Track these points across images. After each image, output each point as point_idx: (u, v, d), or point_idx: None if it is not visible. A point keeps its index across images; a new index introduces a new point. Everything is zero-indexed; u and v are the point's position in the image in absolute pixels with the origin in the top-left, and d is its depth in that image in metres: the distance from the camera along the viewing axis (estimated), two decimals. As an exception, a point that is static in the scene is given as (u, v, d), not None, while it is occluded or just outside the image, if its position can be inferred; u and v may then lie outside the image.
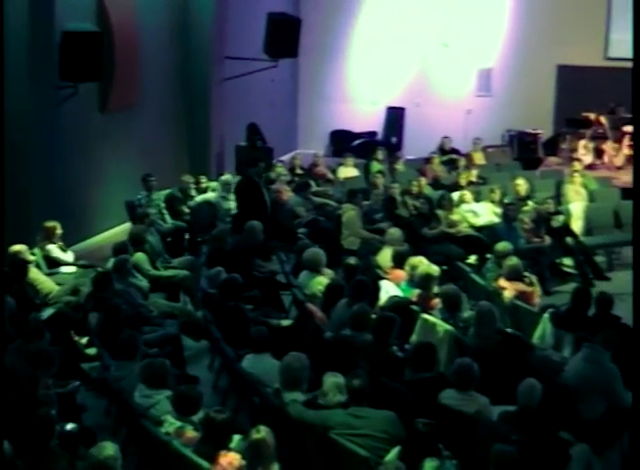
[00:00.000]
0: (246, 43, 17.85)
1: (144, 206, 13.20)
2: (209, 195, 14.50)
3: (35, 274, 10.36)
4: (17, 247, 10.47)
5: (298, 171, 17.02)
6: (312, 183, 15.55)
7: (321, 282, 9.94)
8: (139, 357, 7.88)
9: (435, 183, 16.02)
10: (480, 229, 13.53)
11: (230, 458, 6.08)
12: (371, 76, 22.45)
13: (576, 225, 13.94)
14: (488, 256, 11.80)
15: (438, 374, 7.72)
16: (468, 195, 14.32)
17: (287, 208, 14.01)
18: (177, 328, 9.85)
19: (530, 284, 10.34)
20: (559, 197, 14.93)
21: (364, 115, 22.52)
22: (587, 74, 20.51)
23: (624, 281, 12.17)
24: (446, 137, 19.21)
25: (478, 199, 14.50)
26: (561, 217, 13.56)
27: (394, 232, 11.63)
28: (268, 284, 10.83)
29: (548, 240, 12.88)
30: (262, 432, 6.06)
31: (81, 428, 6.94)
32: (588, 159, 18.60)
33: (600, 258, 13.52)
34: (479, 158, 18.37)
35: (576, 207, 14.41)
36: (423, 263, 10.20)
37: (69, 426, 6.69)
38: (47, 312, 9.69)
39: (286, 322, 9.69)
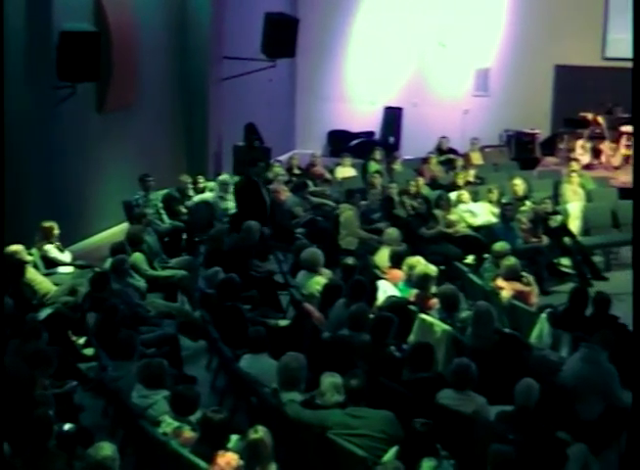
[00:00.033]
0: (243, 43, 17.85)
1: (141, 206, 13.19)
2: (207, 195, 14.49)
3: (33, 274, 10.35)
4: (14, 247, 10.45)
5: (296, 171, 17.01)
6: (310, 183, 15.54)
7: (319, 282, 9.94)
8: (136, 358, 7.87)
9: (433, 183, 16.03)
10: (477, 229, 13.54)
11: (228, 458, 6.08)
12: (368, 76, 22.46)
13: (574, 225, 13.95)
14: (486, 255, 11.81)
15: (436, 374, 7.71)
16: (465, 195, 14.33)
17: (284, 208, 14.02)
18: (175, 328, 9.85)
19: (528, 284, 10.35)
20: (556, 197, 14.94)
21: (362, 114, 22.53)
22: (585, 74, 20.53)
23: (622, 281, 12.19)
24: (444, 137, 19.22)
25: (475, 199, 14.52)
26: (558, 217, 13.56)
27: (392, 232, 11.63)
28: (266, 284, 10.82)
29: (546, 240, 12.89)
30: (260, 432, 6.05)
31: (79, 428, 6.93)
32: (586, 159, 18.62)
33: (597, 258, 13.53)
34: (476, 158, 18.37)
35: (574, 207, 14.42)
36: (420, 263, 10.20)
37: (67, 426, 6.68)
38: (44, 312, 9.67)
39: (283, 322, 9.69)
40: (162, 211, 13.55)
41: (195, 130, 17.32)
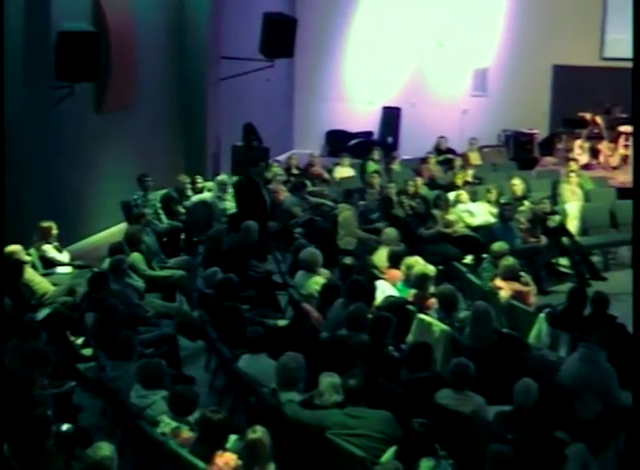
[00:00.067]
0: (242, 43, 17.85)
1: (140, 206, 13.19)
2: (205, 195, 14.50)
3: (31, 275, 10.34)
4: (12, 247, 10.45)
5: (294, 171, 17.02)
6: (308, 183, 15.54)
7: (317, 282, 9.94)
8: (135, 358, 7.87)
9: (432, 183, 16.03)
10: (476, 229, 13.54)
11: (226, 458, 6.08)
12: (367, 76, 22.46)
13: (572, 225, 13.95)
14: (484, 255, 11.81)
15: (434, 374, 7.71)
16: (464, 195, 14.33)
17: (283, 208, 14.03)
18: (173, 328, 9.85)
19: (526, 284, 10.35)
20: (555, 197, 14.94)
21: (360, 114, 22.53)
22: (583, 74, 20.54)
23: (620, 281, 12.21)
24: (442, 137, 19.24)
25: (474, 199, 14.52)
26: (557, 217, 13.56)
27: (390, 232, 11.63)
28: (264, 284, 10.82)
29: (544, 240, 12.89)
30: (258, 432, 6.05)
31: (77, 428, 6.93)
32: (584, 159, 18.61)
33: (596, 258, 13.54)
34: (475, 158, 18.38)
35: (572, 207, 14.42)
36: (419, 263, 10.20)
37: (65, 426, 6.68)
38: (43, 313, 9.67)
39: (282, 322, 9.69)
40: (161, 212, 13.55)
41: (193, 130, 17.32)
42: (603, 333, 7.95)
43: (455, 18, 21.62)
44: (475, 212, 13.98)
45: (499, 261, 10.54)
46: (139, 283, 10.64)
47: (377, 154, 17.76)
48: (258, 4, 18.47)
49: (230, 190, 14.33)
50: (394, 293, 9.87)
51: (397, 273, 10.28)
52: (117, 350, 7.98)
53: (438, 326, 8.76)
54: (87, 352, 9.30)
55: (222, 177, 14.82)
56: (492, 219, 13.60)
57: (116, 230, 14.10)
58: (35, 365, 7.57)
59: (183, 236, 13.64)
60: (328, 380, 7.08)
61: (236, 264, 10.64)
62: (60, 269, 11.21)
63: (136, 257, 11.01)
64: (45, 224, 11.25)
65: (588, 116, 19.67)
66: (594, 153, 19.13)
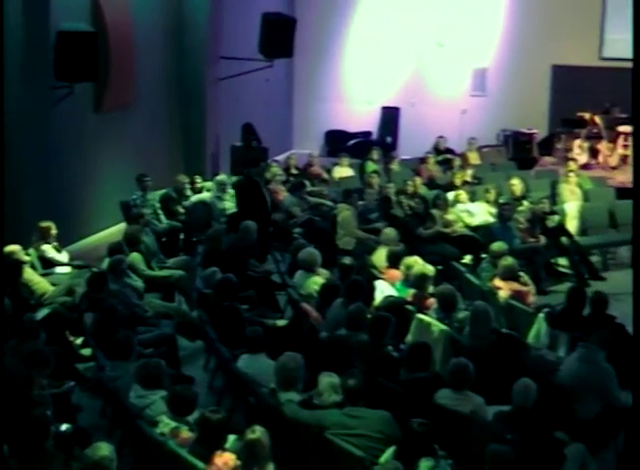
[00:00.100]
0: (241, 43, 17.85)
1: (139, 206, 13.19)
2: (204, 195, 14.50)
3: (30, 275, 10.34)
4: (11, 247, 10.44)
5: (294, 171, 17.02)
6: (307, 183, 15.54)
7: (316, 282, 9.94)
8: (134, 358, 7.87)
9: (431, 183, 16.03)
10: (475, 229, 13.54)
11: (225, 458, 6.08)
12: (366, 76, 22.46)
13: (571, 225, 13.95)
14: (483, 255, 11.82)
15: (434, 374, 7.72)
16: (463, 195, 14.33)
17: (282, 208, 14.03)
18: (172, 328, 9.85)
19: (525, 284, 10.35)
20: (554, 197, 14.94)
21: (359, 114, 22.53)
22: (582, 74, 20.54)
23: (619, 281, 12.22)
24: (441, 137, 19.24)
25: (473, 199, 14.52)
26: (556, 217, 13.57)
27: (390, 232, 11.63)
28: (263, 284, 10.82)
29: (543, 240, 12.89)
30: (258, 432, 6.05)
31: (76, 428, 6.93)
32: (583, 158, 18.61)
33: (595, 258, 13.55)
34: (474, 157, 18.39)
35: (571, 206, 14.42)
36: (418, 263, 10.19)
37: (64, 426, 6.68)
38: (42, 313, 9.67)
39: (281, 322, 9.69)
40: (160, 212, 13.54)
41: (192, 130, 17.32)
42: (602, 333, 7.95)
43: (454, 18, 21.61)
44: (474, 212, 13.98)
45: (498, 261, 10.54)
46: (138, 283, 10.64)
47: (376, 154, 17.76)
48: (257, 4, 18.47)
49: (229, 190, 14.34)
50: (393, 293, 9.87)
51: (396, 273, 10.28)
52: (117, 350, 7.98)
53: (438, 326, 8.76)
54: (86, 352, 9.31)
55: (221, 177, 14.82)
56: (491, 219, 13.61)
57: (116, 230, 14.10)
58: (34, 365, 7.57)
59: (182, 236, 13.64)
60: (327, 380, 7.07)
61: (235, 264, 10.64)
62: (59, 269, 11.20)
63: (135, 257, 11.01)
64: (44, 224, 11.24)
65: (587, 115, 19.67)
66: (593, 153, 19.13)
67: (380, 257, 11.05)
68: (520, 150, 20.12)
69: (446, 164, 17.50)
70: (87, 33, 12.86)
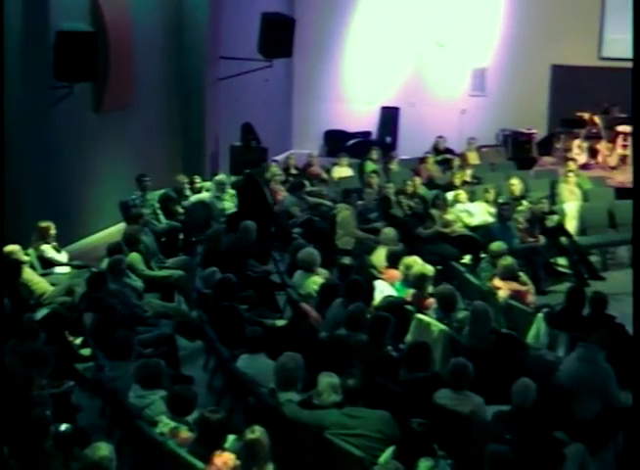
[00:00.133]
0: (240, 43, 17.85)
1: (138, 206, 13.19)
2: (204, 195, 14.49)
3: (29, 275, 10.33)
4: (11, 247, 10.44)
5: (293, 171, 17.01)
6: (307, 183, 15.53)
7: (316, 282, 9.94)
8: (133, 358, 7.87)
9: (430, 183, 16.03)
10: (474, 229, 13.54)
11: (225, 458, 6.08)
12: (365, 76, 22.45)
13: (571, 225, 13.95)
14: (483, 255, 11.82)
15: (433, 374, 7.72)
16: (462, 195, 14.33)
17: (281, 208, 14.02)
18: (172, 328, 9.85)
19: (524, 283, 10.35)
20: (553, 196, 14.95)
21: (358, 114, 22.52)
22: (581, 74, 20.54)
23: (619, 281, 12.23)
24: (441, 137, 19.24)
25: (472, 199, 14.51)
26: (555, 217, 13.57)
27: (389, 232, 11.63)
28: (263, 284, 10.82)
29: (542, 240, 12.89)
30: (257, 432, 6.05)
31: (76, 428, 6.92)
32: (582, 158, 18.61)
33: (594, 258, 13.54)
34: (473, 157, 18.39)
35: (571, 206, 14.42)
36: (417, 263, 10.20)
37: (64, 426, 6.67)
38: (41, 313, 9.67)
39: (280, 322, 9.69)
40: (159, 212, 13.54)
41: (191, 130, 17.32)
42: (601, 333, 7.95)
43: (454, 18, 21.60)
44: (473, 212, 13.98)
45: (497, 261, 10.54)
46: (137, 283, 10.63)
47: (375, 154, 17.76)
48: (257, 4, 18.47)
49: (228, 190, 14.34)
50: (393, 293, 9.87)
51: (396, 273, 10.28)
52: (116, 350, 7.98)
53: (437, 326, 8.76)
54: (86, 351, 9.31)
55: (220, 177, 14.81)
56: (491, 219, 13.61)
57: (115, 230, 14.09)
58: (34, 365, 7.57)
59: (181, 236, 13.63)
60: (326, 380, 7.07)
61: (234, 264, 10.64)
62: (58, 269, 11.20)
63: (134, 257, 11.01)
64: (43, 224, 11.24)
65: (587, 115, 19.67)
66: (592, 153, 19.13)
67: (379, 256, 11.05)
68: (519, 150, 20.12)
69: (446, 164, 17.50)
70: (86, 33, 12.86)
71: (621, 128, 18.79)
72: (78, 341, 9.54)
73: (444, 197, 13.97)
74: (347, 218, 13.03)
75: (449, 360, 7.63)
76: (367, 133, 22.43)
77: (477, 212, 13.98)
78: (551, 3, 20.84)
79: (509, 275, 10.26)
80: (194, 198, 14.34)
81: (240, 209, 13.35)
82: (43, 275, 10.76)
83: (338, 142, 21.80)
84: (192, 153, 17.30)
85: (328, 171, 17.33)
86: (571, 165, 15.81)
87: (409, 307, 9.30)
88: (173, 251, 12.96)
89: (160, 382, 7.23)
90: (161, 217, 13.51)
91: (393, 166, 17.32)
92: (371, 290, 9.83)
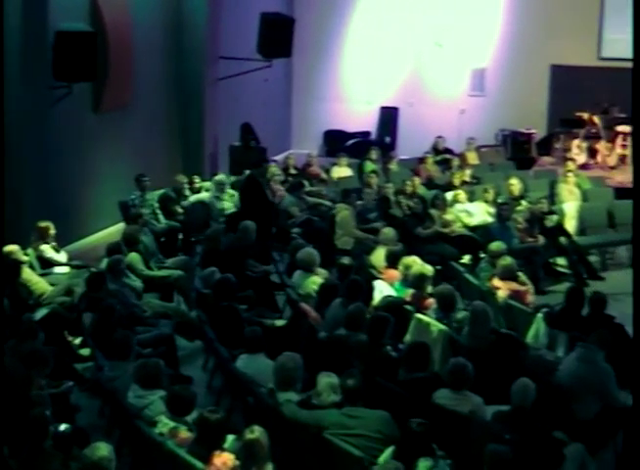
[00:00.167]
0: (239, 43, 17.84)
1: (137, 206, 13.19)
2: (203, 195, 14.49)
3: (29, 275, 10.33)
4: (10, 247, 10.44)
5: (292, 171, 17.02)
6: (306, 183, 15.54)
7: (315, 282, 9.94)
8: (133, 358, 7.86)
9: (429, 183, 16.03)
10: (473, 229, 13.54)
11: (224, 458, 6.08)
12: (365, 76, 22.46)
13: (570, 225, 13.95)
14: (482, 255, 11.82)
15: (432, 374, 7.72)
16: (462, 195, 14.33)
17: (281, 208, 14.02)
18: (171, 328, 9.85)
19: (524, 283, 10.35)
20: (552, 196, 14.94)
21: (358, 114, 22.53)
22: (581, 74, 20.54)
23: (618, 281, 12.23)
24: (440, 137, 19.23)
25: (471, 199, 14.51)
26: (554, 217, 13.57)
27: (388, 232, 11.62)
28: (262, 284, 10.82)
29: (542, 240, 12.89)
30: (256, 432, 6.05)
31: (75, 428, 6.92)
32: (582, 158, 18.62)
33: (594, 258, 13.54)
34: (472, 157, 18.39)
35: (570, 206, 14.42)
36: (417, 263, 10.20)
37: (63, 426, 6.67)
38: (41, 313, 9.66)
39: (280, 322, 9.69)
40: (159, 212, 13.54)
41: (191, 130, 17.31)
42: (601, 333, 7.95)
43: (453, 18, 21.61)
44: (472, 212, 13.99)
45: (497, 261, 10.54)
46: (137, 283, 10.63)
47: (374, 154, 17.76)
48: (256, 4, 18.47)
49: (228, 190, 14.34)
50: (392, 293, 9.87)
51: (395, 273, 10.28)
52: (115, 350, 7.98)
53: (436, 326, 8.76)
54: (85, 352, 9.31)
55: (220, 177, 14.80)
56: (490, 219, 13.61)
57: (114, 230, 14.09)
58: (33, 365, 7.57)
59: (181, 236, 13.63)
60: (326, 380, 7.07)
61: (234, 264, 10.63)
62: (57, 269, 11.20)
63: (134, 257, 11.01)
64: (43, 224, 11.24)
65: (586, 115, 19.67)
66: (592, 153, 19.14)
67: (378, 256, 11.05)
68: (518, 150, 20.12)
69: (445, 164, 17.50)
70: (86, 33, 12.85)
71: (621, 128, 18.81)
72: (77, 341, 9.54)
73: (444, 197, 13.97)
74: (347, 218, 13.03)
75: (449, 360, 7.63)
76: (366, 133, 22.44)
77: (476, 212, 13.98)
78: (550, 3, 20.85)
79: (508, 275, 10.26)
80: (193, 198, 14.34)
81: (242, 209, 13.34)
82: (42, 275, 10.75)
83: (337, 142, 21.81)
84: (191, 153, 17.30)
85: (327, 171, 17.33)
86: (571, 165, 15.80)
87: (408, 307, 9.30)
88: (172, 251, 12.95)
89: (160, 382, 7.22)
90: (161, 217, 13.51)
91: (393, 166, 17.32)
92: (370, 290, 9.83)
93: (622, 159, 18.68)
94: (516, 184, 14.58)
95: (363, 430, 6.60)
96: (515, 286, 10.19)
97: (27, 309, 9.66)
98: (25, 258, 10.74)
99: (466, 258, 12.76)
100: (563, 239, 13.22)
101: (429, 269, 10.03)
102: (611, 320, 8.82)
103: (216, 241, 11.55)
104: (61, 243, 11.66)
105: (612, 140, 19.05)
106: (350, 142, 21.56)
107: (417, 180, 15.21)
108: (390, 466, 6.03)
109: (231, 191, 14.38)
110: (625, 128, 18.54)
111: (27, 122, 12.01)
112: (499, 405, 7.12)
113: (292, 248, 11.28)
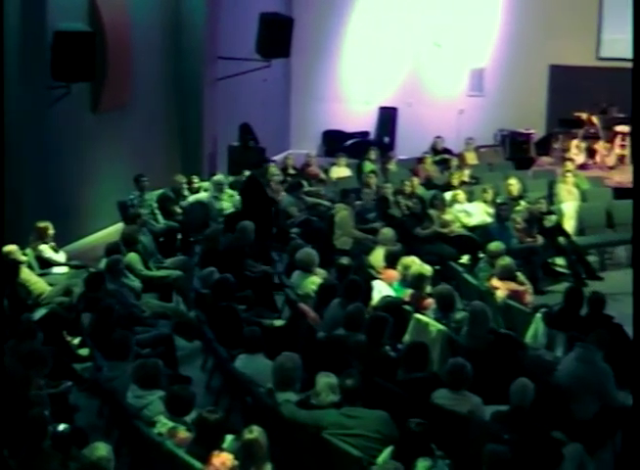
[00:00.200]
0: (238, 43, 17.85)
1: (136, 206, 13.19)
2: (202, 195, 14.49)
3: (27, 275, 10.33)
4: (9, 247, 10.44)
5: (291, 171, 17.02)
6: (305, 183, 15.54)
7: (314, 282, 9.94)
8: (131, 358, 7.87)
9: (428, 183, 16.03)
10: (472, 229, 13.54)
11: (223, 458, 6.08)
12: (363, 76, 22.47)
13: (569, 225, 13.95)
14: (481, 255, 11.82)
15: (431, 374, 7.72)
16: (460, 195, 14.33)
17: (280, 208, 14.02)
18: (170, 328, 9.84)
19: (522, 283, 10.35)
20: (551, 197, 14.94)
21: (357, 114, 22.53)
22: (579, 74, 20.55)
23: (617, 281, 12.23)
24: (439, 137, 19.23)
25: (470, 199, 14.50)
26: (553, 217, 13.56)
27: (387, 232, 11.63)
28: (261, 284, 10.81)
29: (540, 240, 12.89)
30: (255, 432, 6.05)
31: (74, 428, 6.92)
32: (580, 158, 18.62)
33: (592, 258, 13.53)
34: (471, 157, 18.39)
35: (569, 206, 14.42)
36: (415, 263, 10.20)
37: (62, 426, 6.68)
38: (39, 313, 9.66)
39: (279, 322, 9.68)
40: (157, 212, 13.54)
41: (189, 130, 17.31)
42: (599, 333, 7.95)
43: (452, 18, 21.62)
44: (471, 212, 13.99)
45: (495, 261, 10.54)
46: (135, 283, 10.63)
47: (373, 154, 17.77)
48: (255, 4, 18.47)
49: (226, 190, 14.34)
50: (391, 293, 9.87)
51: (394, 273, 10.28)
52: (114, 350, 7.98)
53: (435, 326, 8.76)
54: (84, 352, 9.31)
55: (218, 177, 14.80)
56: (489, 219, 13.61)
57: (113, 230, 14.08)
58: (32, 365, 7.56)
59: (180, 236, 13.63)
60: (325, 380, 7.07)
61: (232, 264, 10.64)
62: (56, 269, 11.20)
63: (133, 257, 11.01)
64: (41, 224, 11.23)
65: (584, 115, 19.67)
66: (590, 153, 19.14)
67: (377, 257, 11.05)
68: (517, 150, 20.13)
69: (444, 165, 17.50)
70: (84, 33, 12.85)
71: (619, 128, 18.81)
72: (76, 341, 9.54)
73: (442, 197, 13.97)
74: (345, 218, 13.03)
75: (447, 360, 7.63)
76: (365, 133, 22.45)
77: (475, 213, 13.98)
78: (549, 3, 20.85)
79: (507, 275, 10.26)
80: (192, 198, 14.33)
81: (242, 209, 13.33)
82: (41, 275, 10.75)
83: (336, 142, 21.82)
84: (190, 153, 17.30)
85: (326, 171, 17.34)
86: (569, 166, 15.80)
87: (407, 308, 9.30)
88: (171, 251, 12.95)
89: (159, 382, 7.23)
90: (159, 217, 13.50)
91: (391, 167, 17.32)
92: (369, 290, 9.83)
93: (621, 159, 18.69)
94: (514, 184, 14.59)
95: (362, 430, 6.60)
96: (514, 286, 10.19)
97: (26, 309, 9.66)
98: (24, 258, 10.74)
99: (465, 259, 12.76)
100: (561, 239, 13.22)
101: (427, 269, 10.03)
102: (609, 320, 8.82)
103: (215, 241, 11.55)
104: (59, 243, 11.66)
105: (610, 140, 19.05)
106: (349, 142, 21.57)
107: (416, 180, 15.21)
108: (389, 466, 6.03)
109: (230, 191, 14.38)
110: (624, 128, 18.55)
111: (26, 122, 12.01)
112: (498, 405, 7.12)
113: (290, 248, 11.28)
